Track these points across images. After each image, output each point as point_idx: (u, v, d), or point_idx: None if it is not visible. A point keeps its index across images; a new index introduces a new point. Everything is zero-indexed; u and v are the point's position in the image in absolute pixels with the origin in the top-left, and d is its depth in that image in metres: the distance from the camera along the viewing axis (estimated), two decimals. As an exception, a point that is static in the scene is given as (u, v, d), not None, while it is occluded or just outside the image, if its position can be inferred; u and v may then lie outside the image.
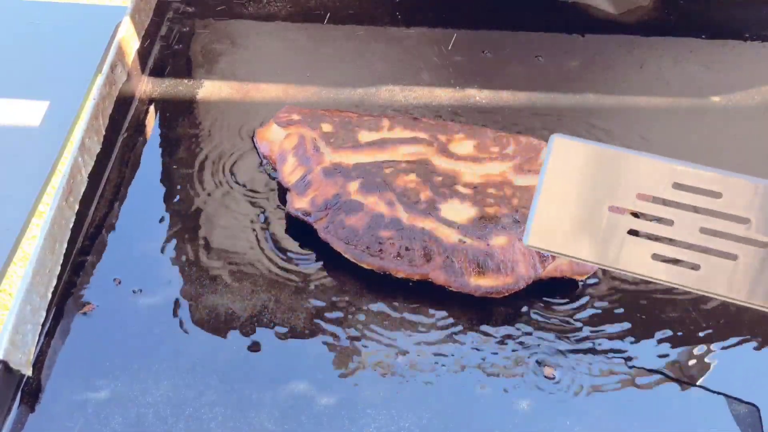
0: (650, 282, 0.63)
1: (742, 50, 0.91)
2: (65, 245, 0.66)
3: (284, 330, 0.63)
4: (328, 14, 0.94)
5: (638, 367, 0.62)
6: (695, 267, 0.53)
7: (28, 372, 0.59)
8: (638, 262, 0.53)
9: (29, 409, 0.58)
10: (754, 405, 0.60)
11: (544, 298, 0.66)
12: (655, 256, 0.53)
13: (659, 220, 0.53)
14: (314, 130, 0.75)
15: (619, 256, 0.54)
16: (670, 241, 0.53)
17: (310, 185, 0.70)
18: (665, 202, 0.52)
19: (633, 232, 0.53)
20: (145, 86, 0.85)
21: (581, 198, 0.54)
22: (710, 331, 0.64)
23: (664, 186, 0.52)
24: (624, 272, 0.54)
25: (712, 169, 0.54)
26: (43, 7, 0.96)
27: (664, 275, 0.53)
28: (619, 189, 0.53)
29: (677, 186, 0.52)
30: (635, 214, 0.53)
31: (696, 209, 0.52)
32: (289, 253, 0.69)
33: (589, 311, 0.65)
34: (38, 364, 0.60)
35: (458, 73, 0.87)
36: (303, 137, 0.74)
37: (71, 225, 0.67)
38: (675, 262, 0.53)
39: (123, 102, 0.80)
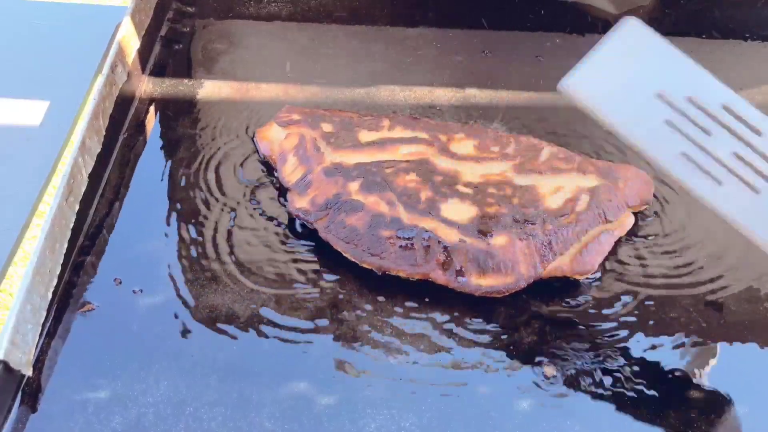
0: (650, 286, 0.64)
1: (742, 50, 0.91)
2: (65, 245, 0.66)
3: (284, 330, 0.63)
4: (328, 14, 0.94)
5: (638, 367, 0.62)
6: (718, 181, 0.54)
7: (28, 372, 0.59)
8: (665, 151, 0.55)
9: (29, 409, 0.58)
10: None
11: (545, 298, 0.66)
12: (683, 155, 0.54)
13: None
14: (315, 129, 0.75)
15: (649, 138, 0.55)
16: (702, 150, 0.54)
17: (311, 185, 0.70)
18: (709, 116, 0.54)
19: (670, 125, 0.55)
20: (146, 86, 0.85)
21: (635, 74, 0.56)
22: (710, 330, 0.64)
23: (715, 102, 0.54)
24: (648, 155, 0.56)
25: (761, 113, 0.56)
26: (43, 7, 0.96)
27: (684, 173, 0.54)
28: (675, 84, 0.55)
29: (726, 108, 0.54)
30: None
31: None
32: (288, 253, 0.69)
33: (590, 311, 0.65)
34: (38, 364, 0.60)
35: (458, 73, 0.87)
36: (303, 137, 0.74)
37: (71, 225, 0.67)
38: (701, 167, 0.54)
39: (123, 102, 0.80)
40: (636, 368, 0.62)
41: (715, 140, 0.54)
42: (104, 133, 0.75)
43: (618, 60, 0.57)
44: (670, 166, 0.55)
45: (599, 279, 0.68)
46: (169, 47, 0.90)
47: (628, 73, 0.56)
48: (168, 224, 0.71)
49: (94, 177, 0.72)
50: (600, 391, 0.60)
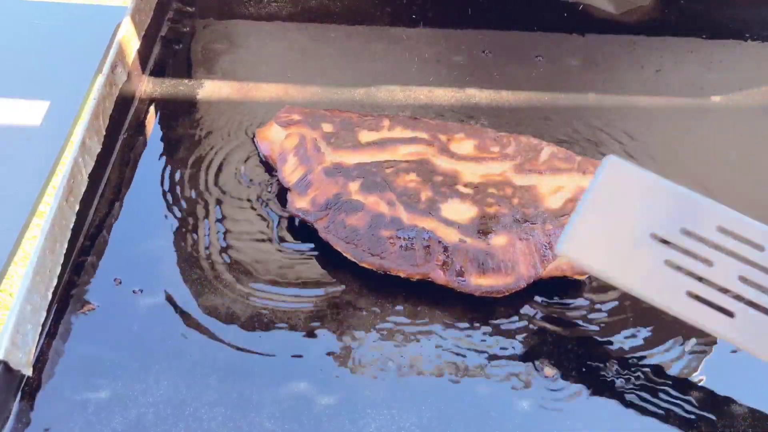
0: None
1: (742, 50, 0.91)
2: (65, 245, 0.66)
3: (284, 330, 0.63)
4: (328, 14, 0.94)
5: (638, 367, 0.62)
6: (730, 314, 0.52)
7: (29, 372, 0.59)
8: (671, 295, 0.53)
9: (29, 409, 0.58)
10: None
11: (545, 298, 0.66)
12: (690, 294, 0.52)
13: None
14: (315, 129, 0.75)
15: (652, 285, 0.53)
16: (707, 283, 0.52)
17: (311, 185, 0.70)
18: (707, 244, 0.51)
19: (671, 266, 0.53)
20: (145, 86, 0.85)
21: (625, 219, 0.53)
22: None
23: (709, 226, 0.52)
24: (654, 303, 0.54)
25: (759, 223, 0.53)
26: (43, 7, 0.96)
27: (696, 315, 0.53)
28: (664, 220, 0.52)
29: (722, 230, 0.52)
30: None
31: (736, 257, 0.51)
32: (289, 253, 0.69)
33: (590, 311, 0.65)
34: (38, 364, 0.60)
35: (458, 73, 0.87)
36: (304, 137, 0.74)
37: (71, 225, 0.67)
38: (709, 304, 0.52)
39: (123, 102, 0.80)
40: (636, 368, 0.62)
41: (720, 268, 0.52)
42: (104, 133, 0.75)
43: (605, 208, 0.54)
44: (680, 309, 0.53)
45: (599, 278, 0.68)
46: (169, 47, 0.90)
47: (618, 220, 0.54)
48: (168, 224, 0.71)
49: (94, 177, 0.72)
50: (600, 391, 0.60)
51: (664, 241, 0.53)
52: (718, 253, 0.52)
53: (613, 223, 0.54)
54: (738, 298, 0.52)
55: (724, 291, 0.52)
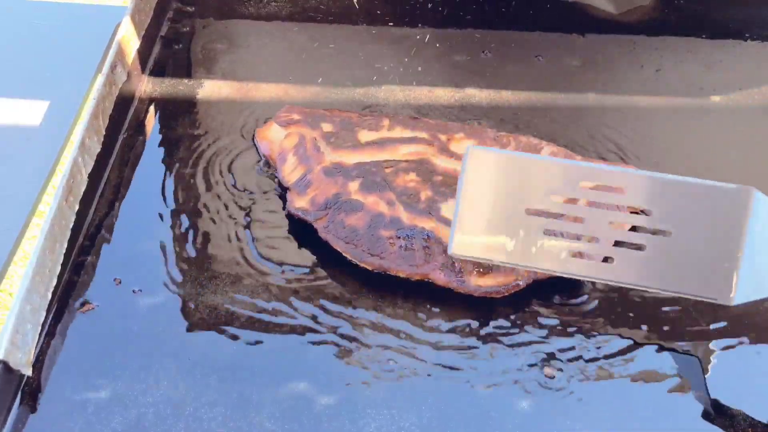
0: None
1: (742, 50, 0.91)
2: (65, 245, 0.66)
3: (284, 330, 0.63)
4: (328, 14, 0.94)
5: (638, 367, 0.62)
6: (609, 260, 0.56)
7: (28, 372, 0.59)
8: (556, 260, 0.56)
9: (29, 409, 0.58)
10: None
11: (545, 298, 0.66)
12: (571, 253, 0.56)
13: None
14: (314, 129, 0.75)
15: (538, 256, 0.57)
16: (585, 238, 0.57)
17: (311, 185, 0.70)
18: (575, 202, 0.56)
19: (549, 233, 0.57)
20: (145, 86, 0.85)
21: (499, 203, 0.57)
22: (711, 331, 0.64)
23: (572, 185, 0.56)
24: (543, 271, 0.58)
25: (613, 167, 0.58)
26: (43, 7, 0.96)
27: (580, 270, 0.56)
28: (532, 192, 0.56)
29: (585, 184, 0.56)
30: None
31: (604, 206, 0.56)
32: (289, 253, 0.69)
33: (589, 310, 0.65)
34: (38, 364, 0.60)
35: (458, 73, 0.87)
36: (303, 137, 0.74)
37: (71, 225, 0.67)
38: (589, 257, 0.56)
39: (123, 102, 0.80)
40: (636, 368, 0.62)
41: (591, 221, 0.55)
42: (104, 133, 0.75)
43: (479, 198, 0.57)
44: (565, 269, 0.56)
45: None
46: (169, 47, 0.90)
47: (493, 206, 0.57)
48: (168, 224, 0.71)
49: (94, 177, 0.72)
50: (600, 391, 0.60)
51: (539, 214, 0.57)
52: (587, 208, 0.56)
53: (490, 210, 0.57)
54: (617, 244, 0.56)
55: (599, 241, 0.57)
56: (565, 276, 0.57)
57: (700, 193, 0.53)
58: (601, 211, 0.55)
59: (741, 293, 0.54)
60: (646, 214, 0.56)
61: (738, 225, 0.52)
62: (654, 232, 0.55)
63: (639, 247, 0.55)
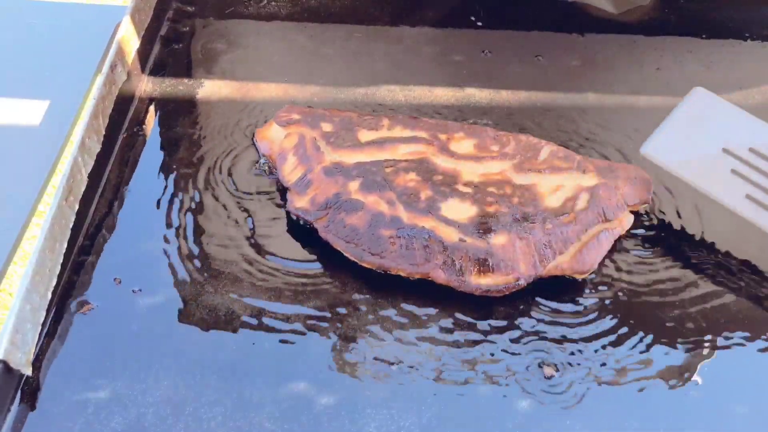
0: (650, 285, 0.65)
1: (742, 50, 0.91)
2: (65, 245, 0.66)
3: (284, 330, 0.63)
4: (328, 14, 0.94)
5: (639, 367, 0.62)
6: None
7: (28, 372, 0.59)
8: (732, 195, 0.64)
9: (29, 409, 0.58)
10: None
11: (545, 297, 0.66)
12: (748, 197, 0.63)
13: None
14: (314, 129, 0.75)
15: (718, 186, 0.64)
16: (764, 190, 0.63)
17: (311, 184, 0.70)
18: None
19: (736, 173, 0.64)
20: (145, 86, 0.85)
21: (703, 135, 0.66)
22: (710, 330, 0.64)
23: None
24: (718, 200, 0.65)
25: None
26: (43, 7, 0.96)
27: (750, 212, 0.63)
28: (737, 139, 0.65)
29: None
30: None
31: None
32: (289, 253, 0.69)
33: (590, 310, 0.65)
34: (38, 364, 0.60)
35: (458, 73, 0.87)
36: (303, 137, 0.74)
37: (71, 225, 0.67)
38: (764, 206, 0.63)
39: (123, 102, 0.80)
40: (636, 368, 0.62)
41: None
42: (104, 132, 0.75)
43: (688, 124, 0.66)
44: (739, 207, 0.63)
45: (599, 278, 0.68)
46: (169, 47, 0.90)
47: (697, 134, 0.66)
48: (168, 224, 0.71)
49: (94, 177, 0.72)
50: (600, 391, 0.60)
51: (734, 157, 0.65)
52: None
53: (692, 138, 0.66)
54: None
55: None
56: (736, 212, 0.63)
57: None
58: None
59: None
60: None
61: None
62: None
63: None
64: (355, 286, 0.66)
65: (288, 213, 0.71)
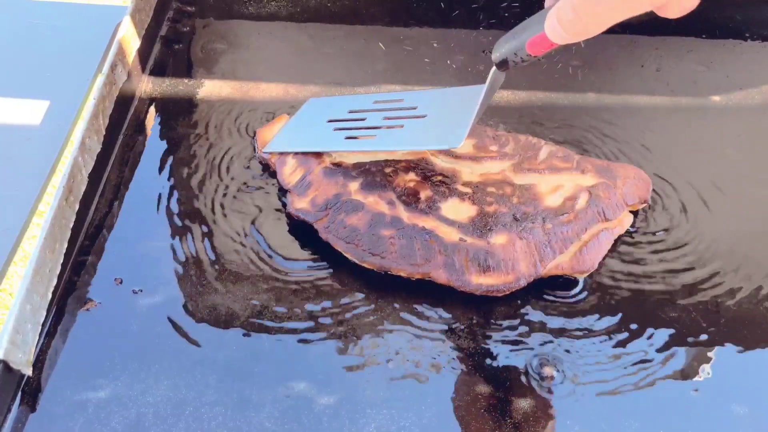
0: (650, 285, 0.65)
1: (742, 50, 0.91)
2: (65, 245, 0.66)
3: (284, 330, 0.63)
4: (328, 14, 0.94)
5: (638, 367, 0.62)
6: (372, 136, 0.71)
7: (28, 372, 0.59)
8: (334, 141, 0.72)
9: (29, 409, 0.58)
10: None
11: (545, 297, 0.66)
12: (347, 138, 0.72)
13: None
14: (314, 129, 0.75)
15: (324, 140, 0.73)
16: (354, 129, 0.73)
17: (311, 185, 0.70)
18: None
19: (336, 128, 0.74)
20: (145, 86, 0.85)
21: (314, 120, 0.77)
22: (710, 330, 0.64)
23: (368, 105, 0.76)
24: (327, 149, 0.73)
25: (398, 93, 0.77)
26: (43, 7, 0.96)
27: (347, 146, 0.71)
28: (337, 110, 0.77)
29: (375, 102, 0.76)
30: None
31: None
32: (289, 253, 0.69)
33: (590, 310, 0.65)
34: (38, 364, 0.60)
35: (458, 73, 0.87)
36: (303, 137, 0.74)
37: (71, 225, 0.67)
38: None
39: (123, 102, 0.80)
40: (636, 368, 0.62)
41: (369, 119, 0.73)
42: (104, 132, 0.75)
43: (297, 122, 0.77)
44: (342, 147, 0.72)
45: (599, 278, 0.68)
46: (169, 47, 0.90)
47: (309, 120, 0.77)
48: (168, 224, 0.71)
49: (94, 177, 0.72)
50: (600, 391, 0.60)
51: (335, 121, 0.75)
52: (371, 113, 0.74)
53: (306, 124, 0.77)
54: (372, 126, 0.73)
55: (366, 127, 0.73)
56: (340, 150, 0.73)
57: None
58: (377, 113, 0.73)
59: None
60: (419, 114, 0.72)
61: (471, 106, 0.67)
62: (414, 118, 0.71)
63: (399, 126, 0.71)
64: (356, 286, 0.66)
65: (288, 214, 0.71)
